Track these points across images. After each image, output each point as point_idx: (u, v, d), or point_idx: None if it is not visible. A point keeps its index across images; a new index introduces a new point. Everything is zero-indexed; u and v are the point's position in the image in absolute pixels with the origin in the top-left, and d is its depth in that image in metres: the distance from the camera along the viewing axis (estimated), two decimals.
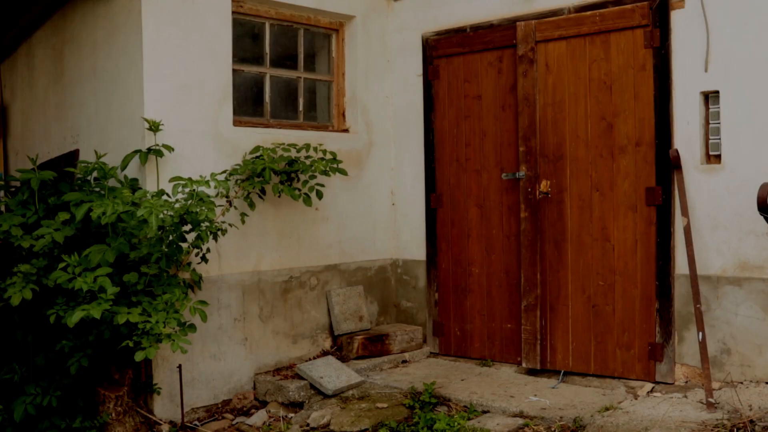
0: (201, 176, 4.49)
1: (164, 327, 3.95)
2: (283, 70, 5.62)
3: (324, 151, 5.24)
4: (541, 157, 5.16)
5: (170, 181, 4.40)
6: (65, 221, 4.15)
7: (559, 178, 5.11)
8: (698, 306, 4.34)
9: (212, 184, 4.57)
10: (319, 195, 5.19)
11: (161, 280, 4.26)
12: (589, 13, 4.95)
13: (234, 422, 4.78)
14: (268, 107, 5.51)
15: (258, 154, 5.03)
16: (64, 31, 5.72)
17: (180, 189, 4.31)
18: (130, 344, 3.96)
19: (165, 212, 4.05)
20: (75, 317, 3.71)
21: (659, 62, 4.67)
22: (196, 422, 4.74)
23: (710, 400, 4.14)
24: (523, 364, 5.25)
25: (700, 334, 4.32)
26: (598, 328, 4.97)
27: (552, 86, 5.13)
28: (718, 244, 4.49)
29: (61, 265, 3.91)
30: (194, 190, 4.32)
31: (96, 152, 4.64)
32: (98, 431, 4.29)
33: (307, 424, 4.54)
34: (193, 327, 4.19)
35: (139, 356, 3.89)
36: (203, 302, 4.24)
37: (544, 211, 5.17)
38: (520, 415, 4.37)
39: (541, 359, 5.17)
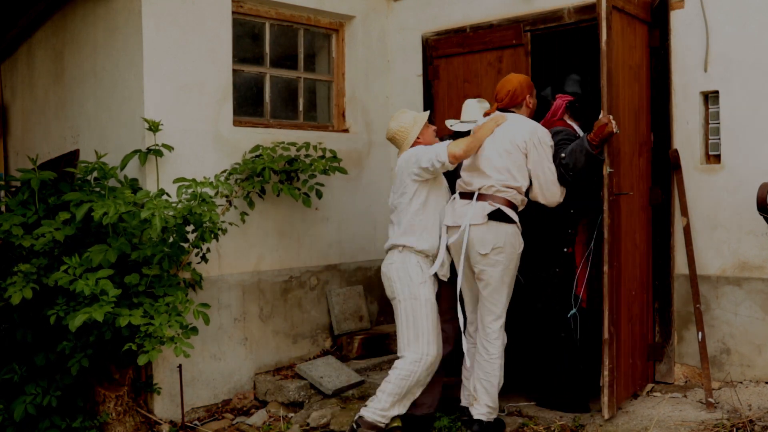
0: (205, 178, 4.48)
1: (167, 330, 3.95)
2: (283, 70, 5.62)
3: (324, 150, 5.24)
4: None
5: (174, 181, 4.40)
6: (66, 221, 4.15)
7: None
8: (698, 306, 4.34)
9: (215, 185, 4.56)
10: (319, 194, 5.19)
11: (162, 280, 4.27)
12: (588, 16, 4.95)
13: (234, 422, 4.79)
14: (268, 107, 5.51)
15: (257, 153, 5.03)
16: (65, 31, 5.72)
17: (183, 190, 4.31)
18: (133, 347, 3.96)
19: (168, 213, 4.05)
20: (77, 321, 3.71)
21: (659, 62, 4.66)
22: (196, 422, 4.75)
23: (710, 399, 4.14)
24: None
25: (700, 333, 4.33)
26: None
27: None
28: (717, 244, 4.49)
29: (63, 267, 3.92)
30: (198, 191, 4.32)
31: (96, 152, 4.64)
32: (98, 431, 4.30)
33: (307, 424, 4.55)
34: (195, 330, 4.20)
35: (142, 360, 3.89)
36: (206, 305, 4.24)
37: None
38: (520, 414, 4.37)
39: None
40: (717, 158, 4.52)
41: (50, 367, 4.29)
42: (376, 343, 5.56)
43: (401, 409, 4.02)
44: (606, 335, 3.96)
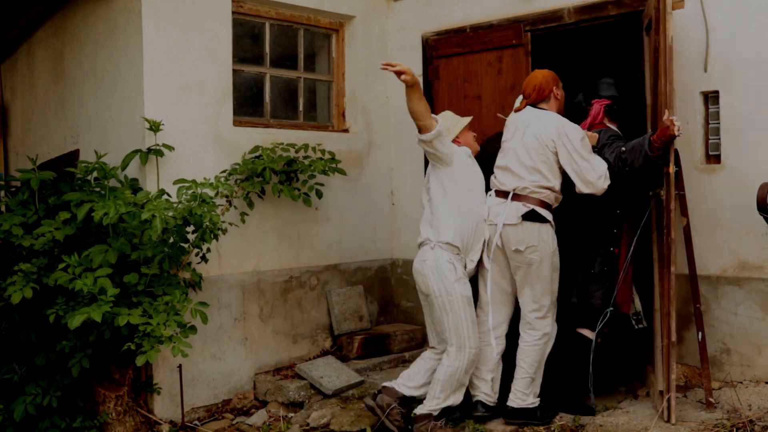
0: (205, 179, 4.49)
1: (165, 329, 3.95)
2: (283, 70, 5.62)
3: (323, 151, 5.24)
4: None
5: (174, 183, 4.40)
6: (65, 220, 4.15)
7: None
8: (698, 306, 4.34)
9: (215, 185, 4.56)
10: (319, 195, 5.19)
11: (161, 280, 4.27)
12: (588, 16, 4.95)
13: (234, 422, 4.79)
14: (268, 107, 5.51)
15: (257, 153, 5.03)
16: (65, 31, 5.72)
17: (184, 191, 4.31)
18: (132, 347, 3.96)
19: (168, 214, 4.05)
20: (76, 321, 3.71)
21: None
22: (196, 422, 4.75)
23: (710, 399, 4.14)
24: None
25: (700, 334, 4.32)
26: None
27: None
28: (717, 244, 4.48)
29: (62, 265, 3.92)
30: (198, 192, 4.32)
31: (96, 152, 4.64)
32: (98, 431, 4.30)
33: (307, 424, 4.55)
34: (194, 329, 4.19)
35: (140, 361, 3.89)
36: (204, 304, 4.24)
37: None
38: None
39: None
40: (717, 158, 4.52)
41: (50, 367, 4.29)
42: (376, 343, 5.56)
43: (456, 399, 4.13)
44: (674, 338, 3.89)
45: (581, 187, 4.03)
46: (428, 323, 4.33)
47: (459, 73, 5.64)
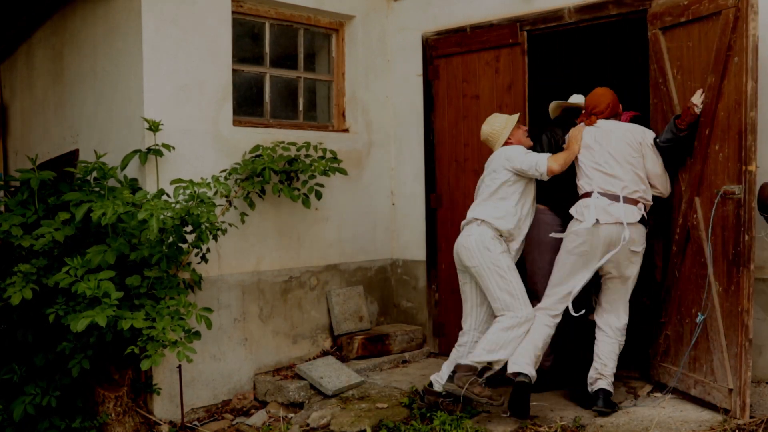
0: (202, 178, 4.48)
1: (169, 334, 3.94)
2: (283, 70, 5.62)
3: (324, 150, 5.24)
4: None
5: (171, 183, 4.40)
6: (65, 221, 4.15)
7: None
8: None
9: (213, 185, 4.57)
10: (318, 195, 5.18)
11: (164, 282, 4.26)
12: (588, 16, 4.95)
13: (234, 422, 4.78)
14: (268, 107, 5.50)
15: (257, 153, 5.03)
16: (64, 31, 5.72)
17: (181, 191, 4.30)
18: (135, 350, 3.95)
19: (165, 214, 4.04)
20: (81, 324, 3.70)
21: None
22: (196, 422, 4.74)
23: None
24: None
25: None
26: None
27: None
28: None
29: (65, 268, 3.91)
30: (195, 192, 4.31)
31: (96, 152, 4.64)
32: (98, 431, 4.29)
33: (307, 425, 4.54)
34: (198, 334, 4.19)
35: (145, 365, 3.89)
36: (208, 309, 4.24)
37: None
38: None
39: None
40: None
41: (50, 368, 4.29)
42: (376, 343, 5.56)
43: (500, 356, 4.24)
44: (751, 335, 3.89)
45: (661, 189, 4.40)
46: (470, 306, 4.49)
47: (458, 72, 5.64)
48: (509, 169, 4.34)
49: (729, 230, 3.98)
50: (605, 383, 4.29)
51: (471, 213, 4.44)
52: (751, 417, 3.91)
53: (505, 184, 4.36)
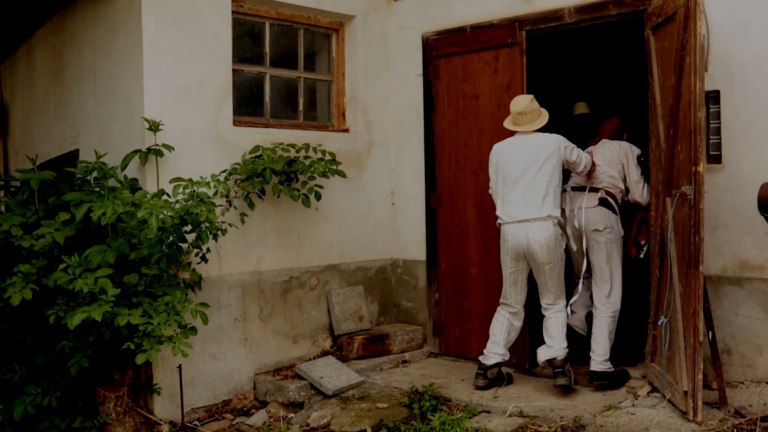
0: (201, 177, 4.48)
1: (165, 329, 3.94)
2: (283, 70, 5.62)
3: (323, 152, 5.23)
4: None
5: (171, 182, 4.40)
6: (65, 221, 4.14)
7: None
8: (707, 305, 4.28)
9: (212, 184, 4.57)
10: (318, 196, 5.18)
11: (162, 280, 4.26)
12: (588, 15, 4.95)
13: (234, 422, 4.78)
14: (268, 107, 5.50)
15: (258, 154, 5.02)
16: (64, 31, 5.72)
17: (180, 190, 4.30)
18: (132, 346, 3.95)
19: (165, 213, 4.04)
20: (76, 319, 3.70)
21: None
22: (196, 422, 4.74)
23: (724, 398, 4.12)
24: (524, 365, 5.25)
25: (710, 333, 4.24)
26: None
27: None
28: (718, 244, 4.48)
29: (62, 266, 3.91)
30: (194, 191, 4.31)
31: (96, 152, 4.64)
32: (98, 431, 4.29)
33: (307, 424, 4.54)
34: (194, 330, 4.18)
35: (140, 359, 3.88)
36: (204, 304, 4.22)
37: None
38: (520, 414, 4.37)
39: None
40: (718, 158, 4.52)
41: (50, 367, 4.29)
42: (376, 343, 5.56)
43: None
44: (701, 338, 3.87)
45: (635, 195, 4.96)
46: (516, 290, 4.77)
47: (458, 72, 5.64)
48: (563, 156, 4.59)
49: (686, 231, 3.96)
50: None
51: (535, 206, 4.58)
52: (751, 417, 3.92)
53: (555, 170, 4.59)
